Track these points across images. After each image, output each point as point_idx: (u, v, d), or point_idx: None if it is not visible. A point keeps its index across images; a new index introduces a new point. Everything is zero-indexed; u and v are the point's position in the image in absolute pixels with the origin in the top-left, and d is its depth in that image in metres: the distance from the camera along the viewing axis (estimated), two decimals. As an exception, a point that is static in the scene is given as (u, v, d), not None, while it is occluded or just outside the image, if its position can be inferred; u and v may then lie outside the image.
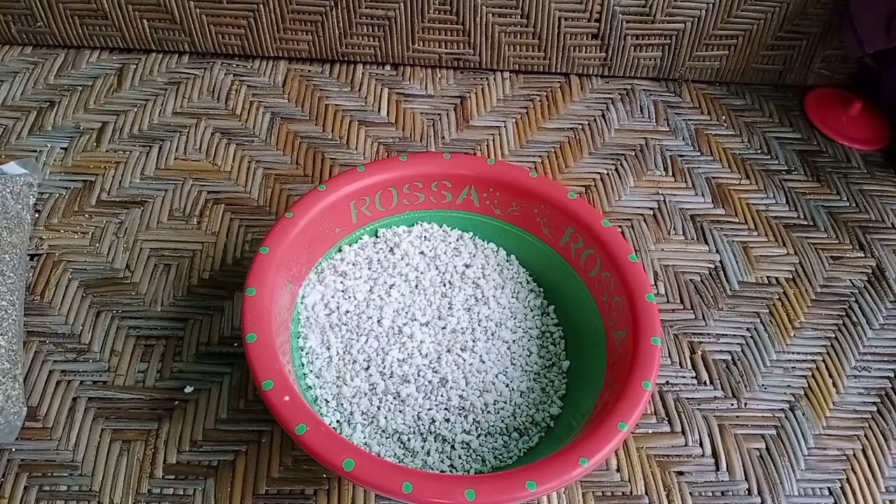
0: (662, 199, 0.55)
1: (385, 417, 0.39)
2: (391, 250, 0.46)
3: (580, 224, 0.45)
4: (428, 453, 0.39)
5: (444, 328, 0.43)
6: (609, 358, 0.42)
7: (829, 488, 0.42)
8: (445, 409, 0.40)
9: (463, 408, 0.40)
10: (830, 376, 0.47)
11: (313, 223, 0.44)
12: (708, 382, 0.46)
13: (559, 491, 0.40)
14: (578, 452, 0.35)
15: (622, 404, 0.37)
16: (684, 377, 0.46)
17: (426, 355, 0.42)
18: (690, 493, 0.41)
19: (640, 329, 0.40)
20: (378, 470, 0.34)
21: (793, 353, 0.48)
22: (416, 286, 0.45)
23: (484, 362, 0.42)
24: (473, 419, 0.40)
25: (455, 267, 0.46)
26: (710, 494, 0.41)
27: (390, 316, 0.43)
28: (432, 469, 0.39)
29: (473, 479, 0.35)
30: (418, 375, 0.41)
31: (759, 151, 0.60)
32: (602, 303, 0.44)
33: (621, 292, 0.42)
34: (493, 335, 0.43)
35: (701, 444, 0.43)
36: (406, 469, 0.36)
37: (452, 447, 0.39)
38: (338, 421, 0.39)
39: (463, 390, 0.41)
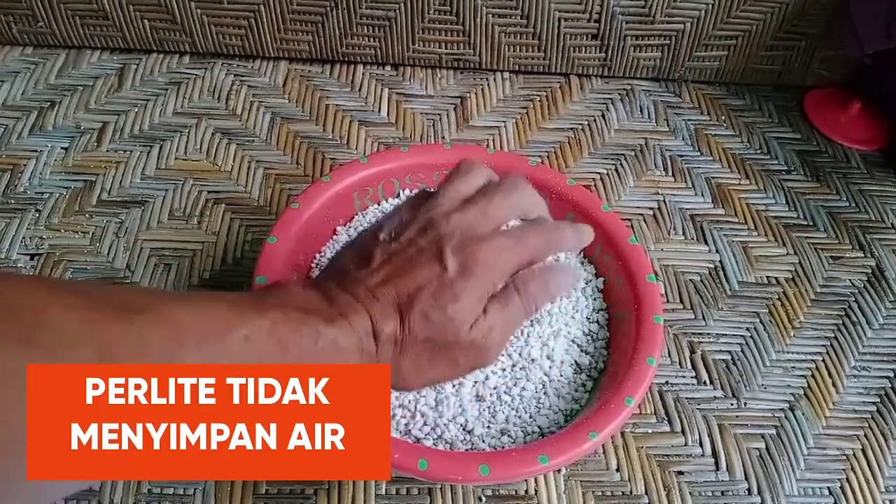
0: (662, 199, 0.55)
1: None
2: None
3: (580, 210, 0.46)
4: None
5: None
6: (612, 341, 0.43)
7: (828, 488, 0.42)
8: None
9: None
10: (830, 376, 0.47)
11: (318, 213, 0.44)
12: (708, 382, 0.46)
13: (559, 490, 0.41)
14: (588, 427, 0.36)
15: (628, 380, 0.38)
16: (684, 377, 0.46)
17: None
18: (690, 493, 0.41)
19: (642, 308, 0.41)
20: (393, 448, 0.34)
21: (792, 352, 0.48)
22: None
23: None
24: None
25: None
26: (710, 494, 0.41)
27: None
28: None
29: (487, 456, 0.36)
30: None
31: (758, 151, 0.60)
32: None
33: (622, 274, 0.43)
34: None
35: (701, 444, 0.43)
36: (421, 447, 0.37)
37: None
38: None
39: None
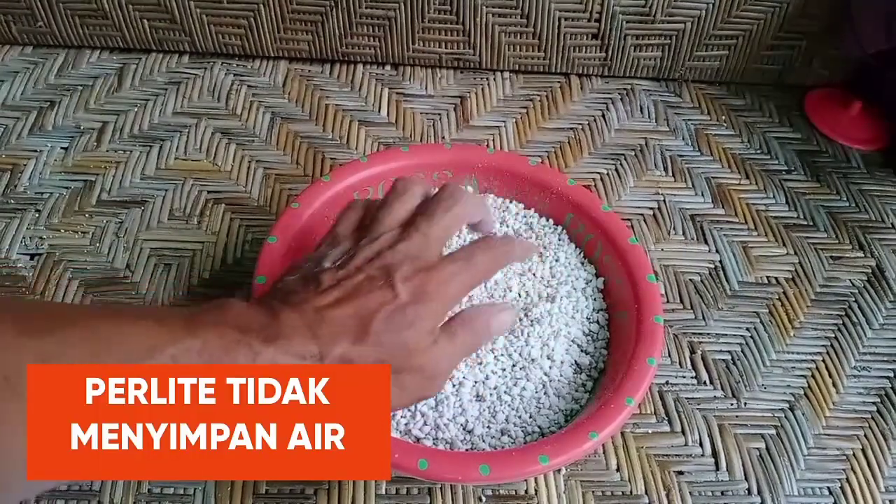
0: (662, 199, 0.55)
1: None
2: None
3: (579, 210, 0.46)
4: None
5: None
6: (612, 341, 0.43)
7: (828, 488, 0.42)
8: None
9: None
10: (830, 376, 0.47)
11: (318, 213, 0.45)
12: (708, 382, 0.46)
13: (559, 490, 0.41)
14: (588, 427, 0.36)
15: (629, 380, 0.38)
16: (684, 377, 0.46)
17: None
18: (690, 493, 0.41)
19: (642, 309, 0.41)
20: (393, 448, 0.34)
21: (792, 352, 0.48)
22: None
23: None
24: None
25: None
26: (710, 494, 0.41)
27: None
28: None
29: (487, 456, 0.36)
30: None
31: (758, 151, 0.60)
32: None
33: (622, 274, 0.43)
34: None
35: (701, 444, 0.43)
36: (421, 447, 0.37)
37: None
38: None
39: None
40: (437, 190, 0.38)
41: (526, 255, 0.42)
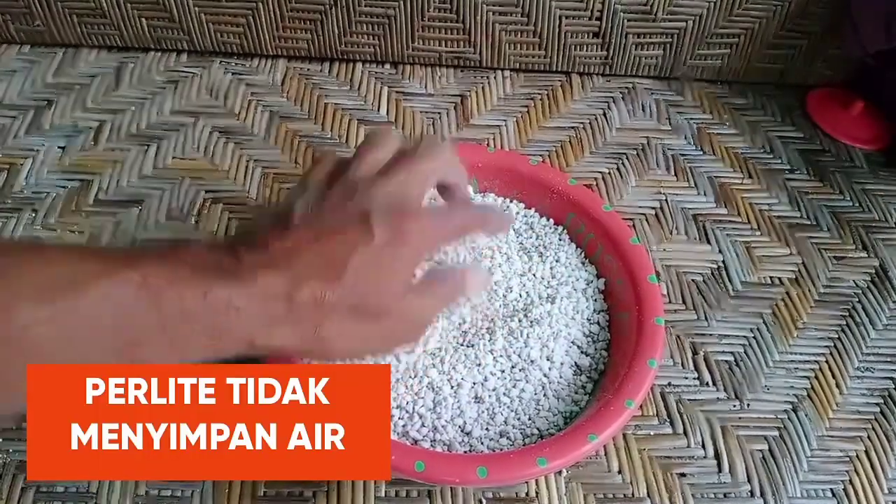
0: (664, 198, 0.55)
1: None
2: None
3: (580, 209, 0.46)
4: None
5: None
6: (612, 342, 0.43)
7: (831, 489, 0.42)
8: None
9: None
10: (833, 377, 0.46)
11: None
12: (710, 383, 0.46)
13: (560, 492, 0.40)
14: (587, 429, 0.36)
15: (629, 382, 0.38)
16: (686, 378, 0.46)
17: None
18: (693, 495, 0.41)
19: (643, 310, 0.41)
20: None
21: (796, 353, 0.47)
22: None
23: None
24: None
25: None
26: (713, 496, 0.41)
27: None
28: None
29: (485, 458, 0.35)
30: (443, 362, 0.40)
31: (761, 151, 0.60)
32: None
33: (623, 275, 0.43)
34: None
35: (703, 446, 0.43)
36: (418, 449, 0.37)
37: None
38: None
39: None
40: (415, 143, 0.37)
41: (501, 228, 0.41)
